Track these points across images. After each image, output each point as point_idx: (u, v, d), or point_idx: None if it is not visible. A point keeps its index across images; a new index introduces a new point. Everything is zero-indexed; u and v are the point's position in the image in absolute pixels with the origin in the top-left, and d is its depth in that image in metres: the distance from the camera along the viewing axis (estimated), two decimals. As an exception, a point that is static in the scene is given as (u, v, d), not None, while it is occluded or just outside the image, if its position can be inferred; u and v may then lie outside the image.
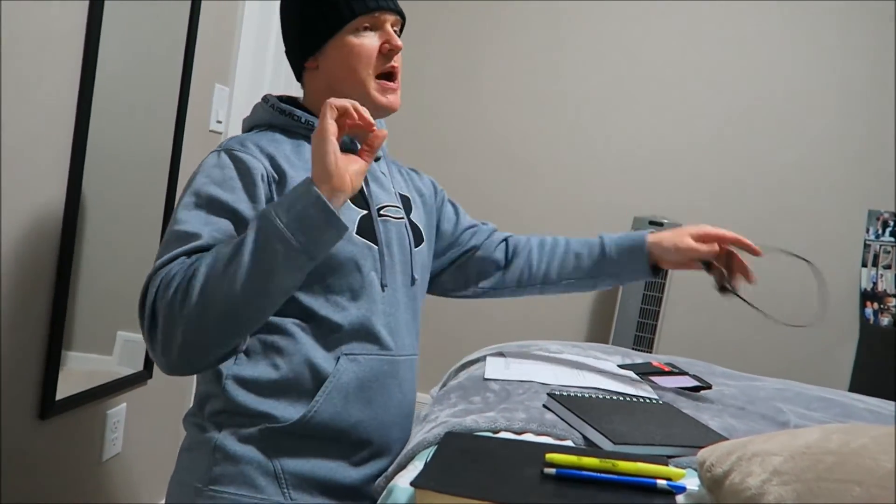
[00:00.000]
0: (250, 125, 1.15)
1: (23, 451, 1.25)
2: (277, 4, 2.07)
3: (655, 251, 1.22)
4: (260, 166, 1.00)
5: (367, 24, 1.08)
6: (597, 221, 3.10)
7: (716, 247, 1.20)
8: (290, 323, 1.01)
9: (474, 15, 3.16)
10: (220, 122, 1.83)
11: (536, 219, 3.15)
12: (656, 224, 2.76)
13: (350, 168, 0.93)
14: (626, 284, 1.12)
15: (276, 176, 1.01)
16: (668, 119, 3.07)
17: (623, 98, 3.09)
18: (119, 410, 1.54)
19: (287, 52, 1.16)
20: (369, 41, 1.08)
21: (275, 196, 1.01)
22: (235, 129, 1.91)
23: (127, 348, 1.57)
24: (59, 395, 1.31)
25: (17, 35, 1.09)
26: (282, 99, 1.14)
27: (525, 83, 3.14)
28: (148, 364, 1.63)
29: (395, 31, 1.11)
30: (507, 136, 3.16)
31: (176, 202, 1.05)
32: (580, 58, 3.11)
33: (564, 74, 3.12)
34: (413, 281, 1.15)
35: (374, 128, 0.96)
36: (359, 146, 1.00)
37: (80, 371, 1.39)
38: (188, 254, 0.93)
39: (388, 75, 1.10)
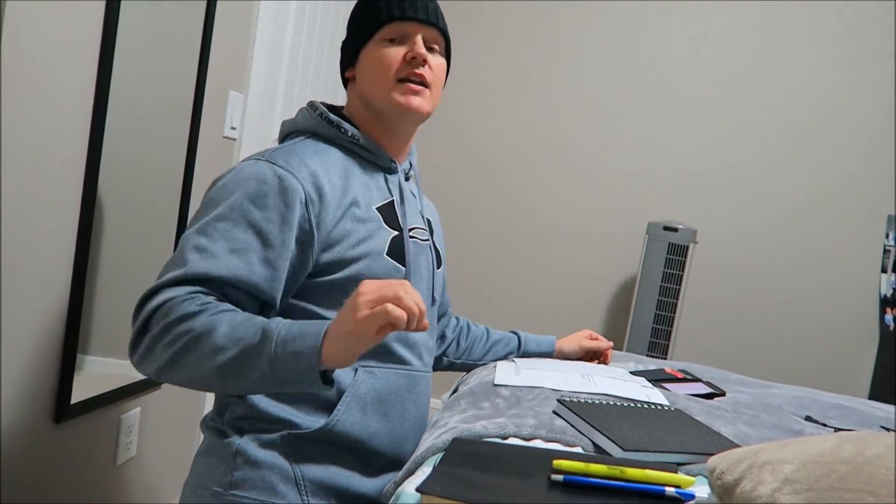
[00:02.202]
0: (292, 129, 1.15)
1: (38, 455, 1.26)
2: (292, 11, 2.09)
3: (558, 355, 1.49)
4: (300, 189, 0.98)
5: (394, 36, 1.09)
6: (612, 227, 3.09)
7: (602, 344, 1.52)
8: None
9: (493, 24, 3.16)
10: (234, 128, 1.85)
11: (553, 223, 3.14)
12: (671, 229, 2.74)
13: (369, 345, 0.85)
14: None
15: (315, 198, 1.00)
16: (682, 124, 3.05)
17: (638, 104, 3.07)
18: (134, 414, 1.56)
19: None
20: (394, 51, 1.08)
21: (312, 218, 0.99)
22: (250, 136, 1.93)
23: (142, 353, 1.58)
24: (74, 399, 1.32)
25: (34, 41, 1.11)
26: (328, 108, 1.15)
27: (540, 90, 3.14)
28: (162, 368, 1.65)
29: (434, 47, 1.12)
30: (524, 142, 3.16)
31: (207, 196, 1.01)
32: (594, 65, 3.10)
33: (579, 81, 3.11)
34: (434, 301, 1.19)
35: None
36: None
37: (96, 375, 1.41)
38: (199, 281, 0.91)
39: (412, 79, 1.09)
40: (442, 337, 1.42)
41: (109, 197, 1.36)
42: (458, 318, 1.46)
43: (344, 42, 1.17)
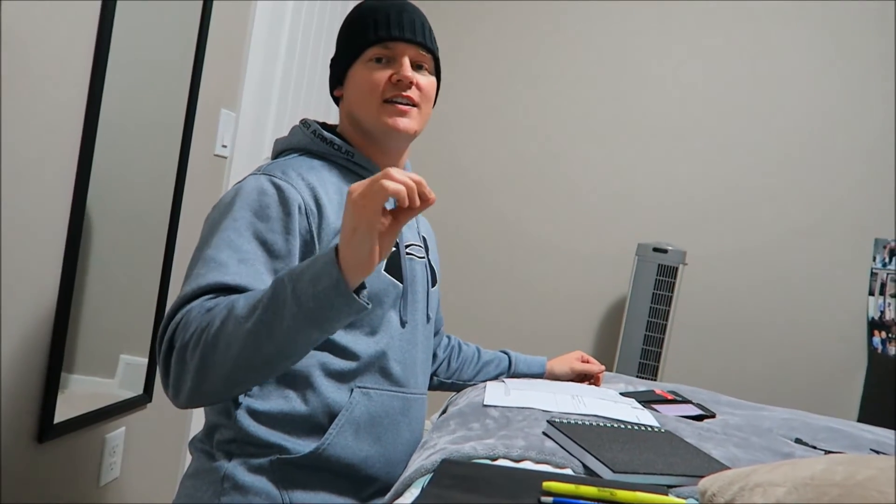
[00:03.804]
0: (286, 147, 1.15)
1: (20, 475, 1.23)
2: (286, 30, 2.10)
3: (549, 376, 1.48)
4: (299, 198, 0.99)
5: (381, 56, 1.08)
6: (602, 248, 3.09)
7: (594, 367, 1.50)
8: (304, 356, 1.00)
9: (483, 44, 3.19)
10: (225, 146, 1.85)
11: (542, 244, 3.14)
12: (660, 251, 2.75)
13: (384, 244, 0.82)
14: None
15: (314, 209, 1.00)
16: (672, 146, 3.07)
17: (628, 126, 3.10)
18: (118, 434, 1.53)
19: None
20: (380, 72, 1.08)
21: (312, 229, 0.99)
22: (241, 154, 1.93)
23: (129, 371, 1.56)
24: (57, 419, 1.30)
25: (26, 55, 1.10)
26: (321, 125, 1.15)
27: (531, 112, 3.16)
28: (148, 388, 1.63)
29: (423, 65, 1.11)
30: (514, 163, 3.17)
31: (209, 219, 1.02)
32: (584, 86, 3.13)
33: (569, 103, 3.14)
34: (428, 318, 1.18)
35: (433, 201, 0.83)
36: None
37: (81, 394, 1.39)
38: (212, 291, 0.91)
39: (398, 100, 1.08)
40: (433, 356, 1.41)
41: (98, 214, 1.35)
42: (449, 337, 1.46)
43: (332, 60, 1.17)
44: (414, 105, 1.09)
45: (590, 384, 1.49)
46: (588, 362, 1.50)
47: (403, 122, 1.08)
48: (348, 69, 1.12)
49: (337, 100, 1.18)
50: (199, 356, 0.85)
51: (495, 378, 1.44)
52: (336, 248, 0.81)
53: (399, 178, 0.78)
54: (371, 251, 0.79)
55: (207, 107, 1.72)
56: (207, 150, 1.77)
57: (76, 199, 1.26)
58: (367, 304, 0.83)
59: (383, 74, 1.08)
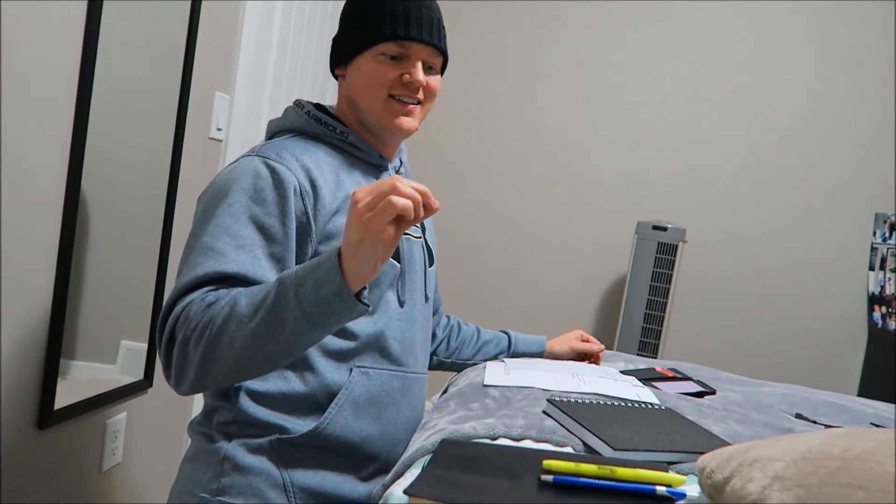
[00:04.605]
0: (279, 128, 1.13)
1: (21, 462, 1.24)
2: (279, 11, 2.08)
3: (548, 356, 1.48)
4: (294, 180, 0.98)
5: (394, 53, 1.05)
6: (602, 227, 3.09)
7: (594, 346, 1.50)
8: None
9: (477, 20, 3.16)
10: (220, 129, 1.83)
11: (542, 223, 3.13)
12: (660, 229, 2.74)
13: (386, 251, 0.82)
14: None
15: (309, 190, 0.99)
16: (671, 124, 3.05)
17: (626, 104, 3.08)
18: (119, 420, 1.54)
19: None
20: (390, 69, 1.05)
21: (308, 210, 0.98)
22: (236, 137, 1.91)
23: (130, 357, 1.56)
24: (58, 405, 1.30)
25: (14, 39, 1.09)
26: (315, 106, 1.14)
27: (529, 91, 3.14)
28: (148, 373, 1.63)
29: (432, 65, 1.09)
30: (512, 142, 3.16)
31: (203, 202, 1.01)
32: (583, 66, 3.10)
33: (567, 82, 3.11)
34: (427, 298, 1.17)
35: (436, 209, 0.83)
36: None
37: (82, 380, 1.39)
38: (210, 281, 0.91)
39: (405, 98, 1.07)
40: (433, 335, 1.41)
41: (94, 200, 1.34)
42: (448, 317, 1.45)
43: (337, 37, 1.13)
44: (419, 103, 1.09)
45: (590, 363, 1.49)
46: (588, 341, 1.50)
47: (407, 122, 1.08)
48: (356, 55, 1.08)
49: (336, 76, 1.16)
50: (202, 353, 0.85)
51: (495, 358, 1.43)
52: (339, 253, 0.81)
53: (406, 192, 0.77)
54: (375, 262, 0.80)
55: (201, 90, 1.70)
56: (202, 133, 1.75)
57: (70, 185, 1.25)
58: (369, 306, 0.84)
59: (394, 72, 1.05)
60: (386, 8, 1.04)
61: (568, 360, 1.48)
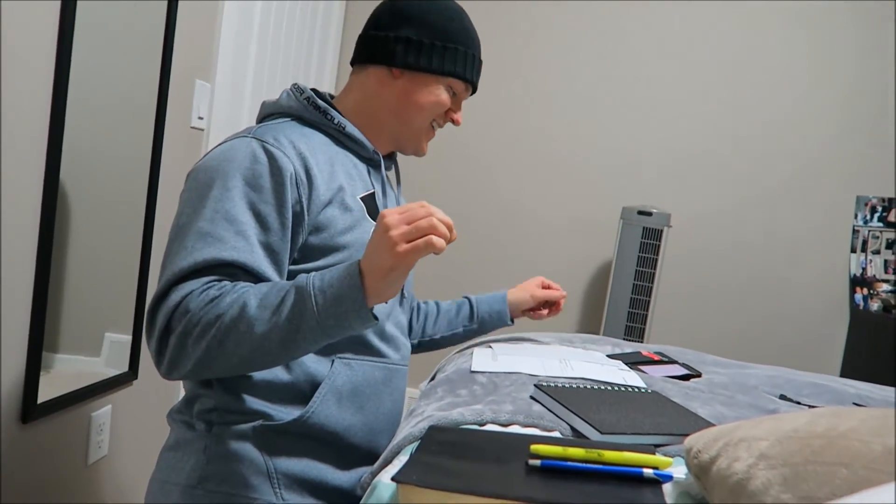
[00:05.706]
0: (274, 110, 1.12)
1: (6, 456, 1.23)
2: (258, -1, 2.05)
3: (511, 307, 1.43)
4: (290, 168, 0.96)
5: (458, 91, 1.15)
6: (586, 212, 3.09)
7: (554, 293, 1.44)
8: None
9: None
10: (201, 118, 1.81)
11: (527, 209, 3.14)
12: (645, 214, 2.75)
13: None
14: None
15: (304, 180, 0.98)
16: (655, 110, 3.06)
17: (610, 90, 3.08)
18: (104, 412, 1.52)
19: (374, 36, 1.12)
20: (448, 102, 1.15)
21: (302, 200, 0.97)
22: (218, 126, 1.89)
23: (114, 349, 1.55)
24: (42, 398, 1.29)
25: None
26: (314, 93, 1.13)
27: (512, 77, 3.12)
28: (133, 365, 1.61)
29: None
30: (496, 129, 3.15)
31: (195, 180, 0.97)
32: (567, 52, 3.09)
33: (551, 69, 3.11)
34: (403, 297, 1.18)
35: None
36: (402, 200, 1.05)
37: (66, 373, 1.37)
38: (208, 267, 0.89)
39: (436, 127, 1.19)
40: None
41: (75, 192, 1.32)
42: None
43: (408, 39, 1.10)
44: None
45: (549, 312, 1.46)
46: (549, 288, 1.45)
47: (426, 148, 1.19)
48: (422, 71, 1.11)
49: (368, 63, 1.13)
50: (205, 349, 0.85)
51: (465, 328, 1.41)
52: (360, 270, 0.82)
53: (443, 233, 0.80)
54: (399, 288, 0.84)
55: (181, 77, 1.68)
56: (183, 122, 1.73)
57: (48, 178, 1.23)
58: (378, 320, 0.86)
59: (447, 104, 1.15)
60: (471, 50, 1.14)
61: (529, 308, 1.44)
